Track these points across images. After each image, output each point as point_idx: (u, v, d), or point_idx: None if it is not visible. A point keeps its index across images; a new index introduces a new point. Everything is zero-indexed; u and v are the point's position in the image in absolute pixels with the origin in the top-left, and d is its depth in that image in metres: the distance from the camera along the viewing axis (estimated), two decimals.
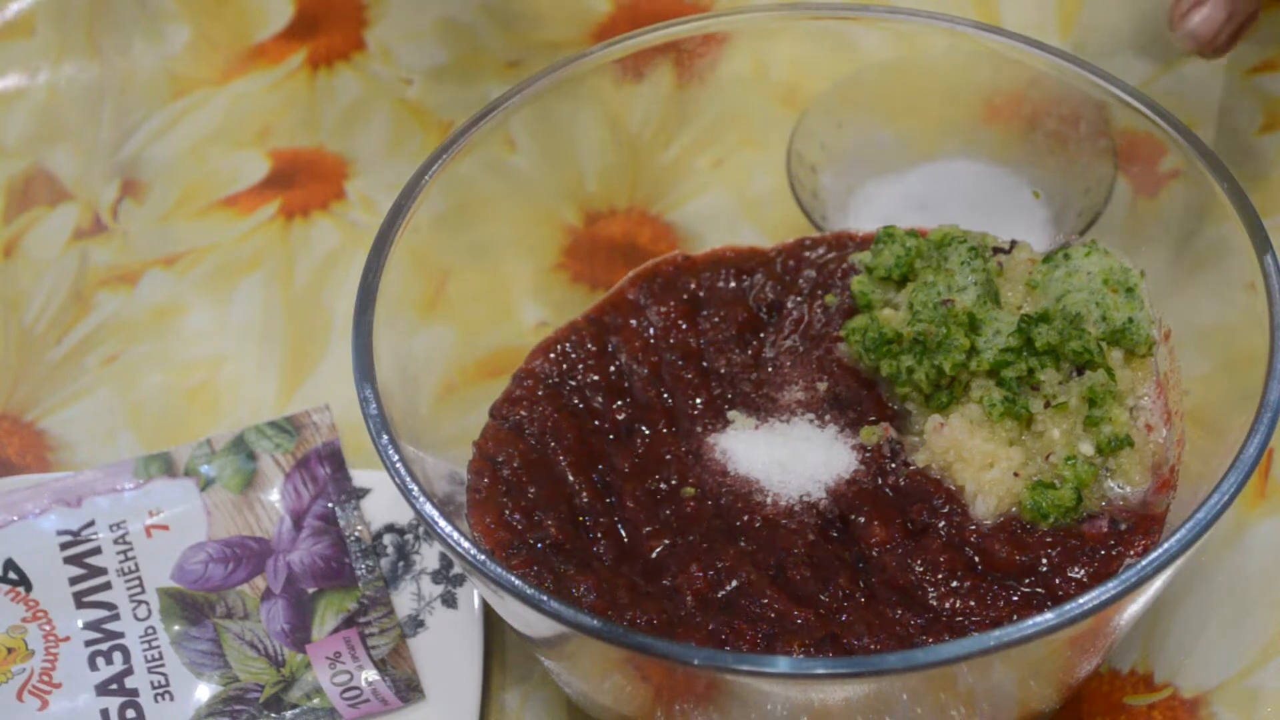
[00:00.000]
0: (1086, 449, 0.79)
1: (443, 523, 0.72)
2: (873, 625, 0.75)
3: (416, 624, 0.86)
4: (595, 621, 0.68)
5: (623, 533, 0.80)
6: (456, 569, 0.87)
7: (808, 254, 0.90)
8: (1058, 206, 0.93)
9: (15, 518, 0.89)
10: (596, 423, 0.84)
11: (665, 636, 0.72)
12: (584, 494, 0.81)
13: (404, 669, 0.83)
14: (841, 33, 0.92)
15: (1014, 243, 0.86)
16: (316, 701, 0.83)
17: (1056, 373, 0.80)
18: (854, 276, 0.86)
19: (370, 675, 0.83)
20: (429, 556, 0.88)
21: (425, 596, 0.87)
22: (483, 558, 0.71)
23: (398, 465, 0.73)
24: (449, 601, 0.86)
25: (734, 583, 0.77)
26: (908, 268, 0.84)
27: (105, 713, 0.83)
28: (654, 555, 0.79)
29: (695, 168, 0.99)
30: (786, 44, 0.95)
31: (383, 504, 0.90)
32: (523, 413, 0.84)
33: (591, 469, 0.82)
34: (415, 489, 0.73)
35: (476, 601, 0.86)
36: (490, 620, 0.85)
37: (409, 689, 0.83)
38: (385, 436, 0.74)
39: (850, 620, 0.76)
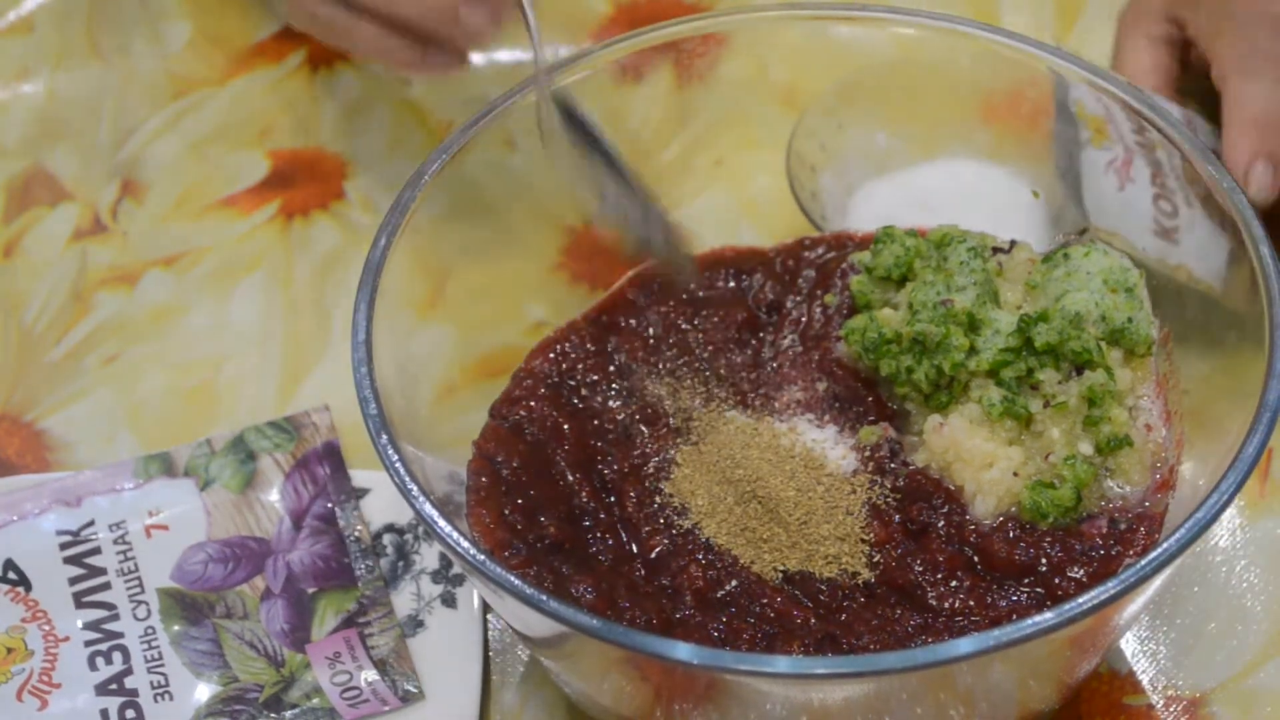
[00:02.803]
0: (1086, 449, 0.79)
1: (442, 522, 0.72)
2: (872, 625, 0.75)
3: (416, 624, 0.86)
4: (594, 621, 0.68)
5: (622, 532, 0.80)
6: (456, 569, 0.87)
7: (807, 254, 0.90)
8: (1057, 206, 0.93)
9: (15, 518, 0.89)
10: (596, 422, 0.84)
11: (664, 636, 0.72)
12: (583, 494, 0.81)
13: (404, 669, 0.84)
14: (841, 33, 0.92)
15: (1013, 243, 0.86)
16: (316, 701, 0.83)
17: (1056, 372, 0.80)
18: (853, 276, 0.86)
19: (370, 675, 0.83)
20: (428, 556, 0.88)
21: (425, 596, 0.87)
22: (482, 557, 0.71)
23: (397, 465, 0.73)
24: (448, 601, 0.86)
25: (733, 582, 0.77)
26: (907, 268, 0.84)
27: (105, 713, 0.83)
28: (653, 555, 0.79)
29: (695, 168, 0.99)
30: (786, 44, 0.95)
31: (382, 504, 0.90)
32: (522, 412, 0.84)
33: (591, 469, 0.82)
34: (415, 489, 0.73)
35: (476, 601, 0.86)
36: (490, 620, 0.85)
37: (409, 689, 0.83)
38: (385, 436, 0.74)
39: (849, 620, 0.76)
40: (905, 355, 0.81)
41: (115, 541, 0.88)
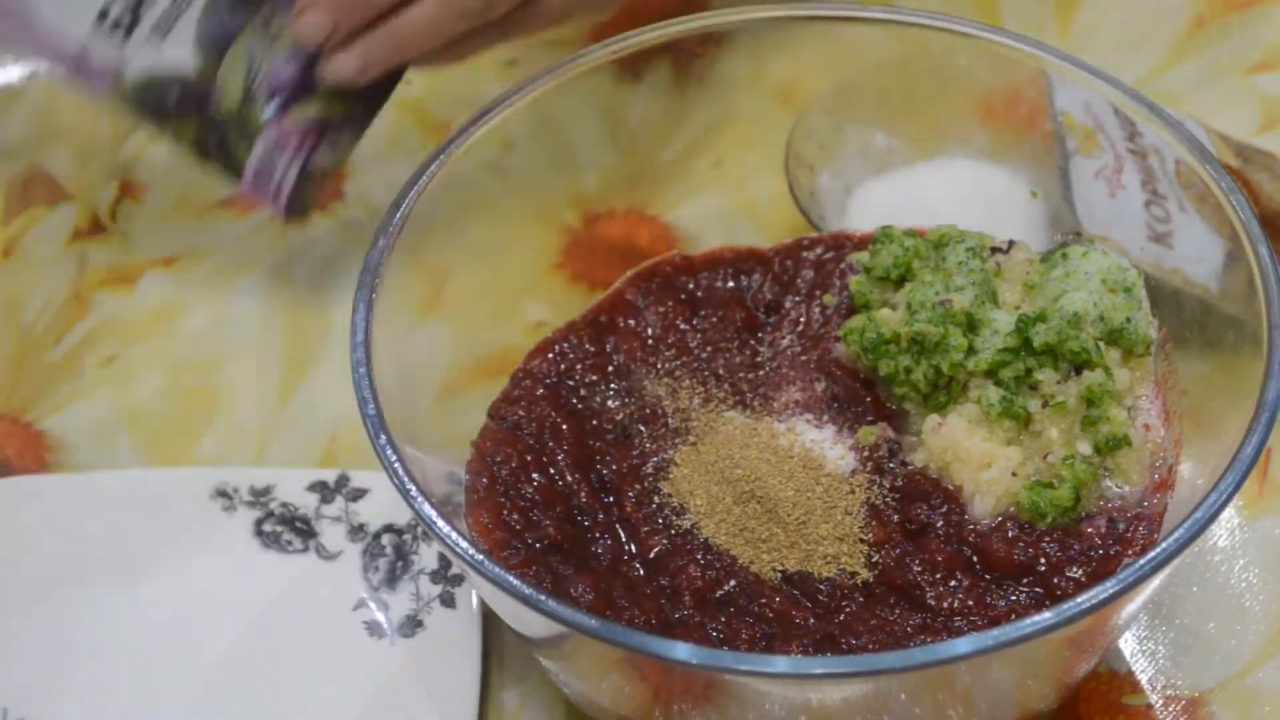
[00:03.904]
0: (1084, 449, 0.79)
1: (441, 523, 0.72)
2: (871, 625, 0.75)
3: (415, 624, 0.86)
4: (593, 621, 0.68)
5: (620, 532, 0.80)
6: (455, 569, 0.87)
7: (806, 254, 0.90)
8: (1056, 206, 0.93)
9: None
10: (594, 423, 0.84)
11: (663, 636, 0.72)
12: (582, 494, 0.81)
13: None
14: (841, 33, 0.92)
15: (1012, 243, 0.86)
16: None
17: (1054, 372, 0.80)
18: (852, 276, 0.86)
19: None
20: (427, 556, 0.88)
21: (424, 597, 0.87)
22: (481, 557, 0.71)
23: (396, 465, 0.73)
24: (447, 601, 0.86)
25: (732, 582, 0.77)
26: (905, 268, 0.84)
27: None
28: (652, 555, 0.79)
29: (694, 168, 0.99)
30: (786, 44, 0.95)
31: (382, 504, 0.90)
32: (521, 413, 0.84)
33: (589, 469, 0.82)
34: (413, 489, 0.73)
35: (475, 601, 0.86)
36: (489, 620, 0.85)
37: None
38: (383, 437, 0.74)
39: (848, 620, 0.76)
40: (904, 355, 0.81)
41: None
